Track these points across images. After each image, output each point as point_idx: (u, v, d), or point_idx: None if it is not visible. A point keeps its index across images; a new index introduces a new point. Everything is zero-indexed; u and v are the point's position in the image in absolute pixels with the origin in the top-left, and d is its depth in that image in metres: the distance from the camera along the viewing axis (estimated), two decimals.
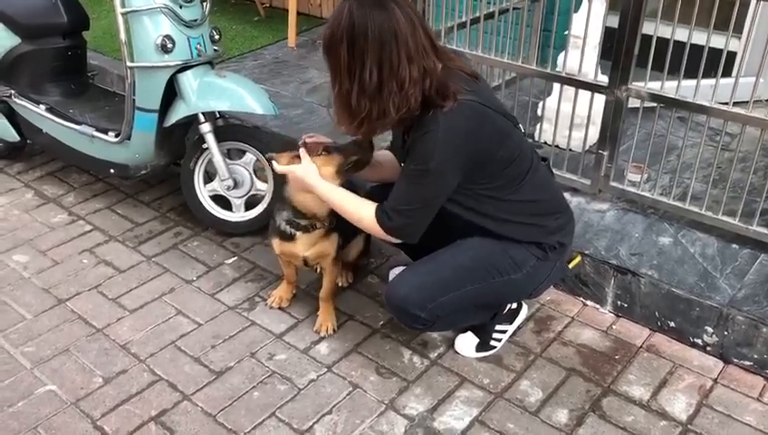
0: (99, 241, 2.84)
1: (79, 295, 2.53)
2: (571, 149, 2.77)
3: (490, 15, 2.90)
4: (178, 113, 2.66)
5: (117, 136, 2.80)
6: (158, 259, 2.73)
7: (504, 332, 2.28)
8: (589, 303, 2.49)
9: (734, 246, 2.42)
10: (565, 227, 2.10)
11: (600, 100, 2.58)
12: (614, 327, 2.39)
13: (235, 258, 2.74)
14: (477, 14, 2.92)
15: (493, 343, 2.27)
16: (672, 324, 2.31)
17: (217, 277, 2.64)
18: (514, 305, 2.28)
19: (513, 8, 3.03)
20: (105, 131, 2.85)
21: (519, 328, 2.33)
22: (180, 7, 2.57)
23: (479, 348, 2.27)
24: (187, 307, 2.48)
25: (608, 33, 2.51)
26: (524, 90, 2.91)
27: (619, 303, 2.42)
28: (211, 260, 2.73)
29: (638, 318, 2.39)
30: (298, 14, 4.26)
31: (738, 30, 2.76)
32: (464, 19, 2.85)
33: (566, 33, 2.74)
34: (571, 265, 2.37)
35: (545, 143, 2.97)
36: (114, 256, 2.75)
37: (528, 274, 2.04)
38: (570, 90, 2.69)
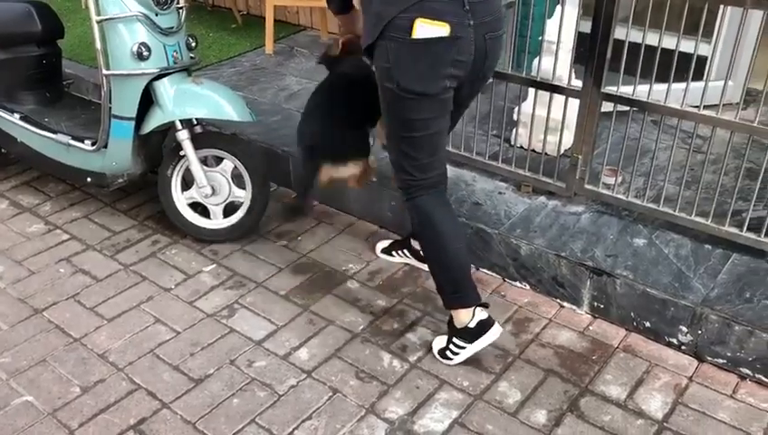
0: (76, 250, 2.82)
1: (56, 305, 2.52)
2: (546, 153, 2.80)
3: None
4: (155, 121, 2.66)
5: (93, 144, 2.79)
6: (136, 268, 2.72)
7: (461, 348, 2.22)
8: (566, 304, 2.52)
9: (707, 246, 2.46)
10: None
11: (574, 104, 2.62)
12: (591, 328, 2.42)
13: (214, 266, 2.74)
14: None
15: (448, 353, 2.25)
16: (647, 324, 2.34)
17: (196, 285, 2.63)
18: (472, 324, 2.18)
19: None
20: (81, 140, 2.83)
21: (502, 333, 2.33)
22: (156, 15, 2.57)
23: (439, 352, 2.28)
24: (165, 315, 2.47)
25: (581, 38, 2.55)
26: (500, 94, 2.94)
27: (595, 304, 2.45)
28: (189, 268, 2.72)
29: (614, 319, 2.42)
30: (275, 21, 4.27)
31: (708, 35, 2.82)
32: None
33: (540, 38, 2.77)
34: None
35: (521, 147, 3.00)
36: (91, 265, 2.73)
37: None
38: (544, 94, 2.72)
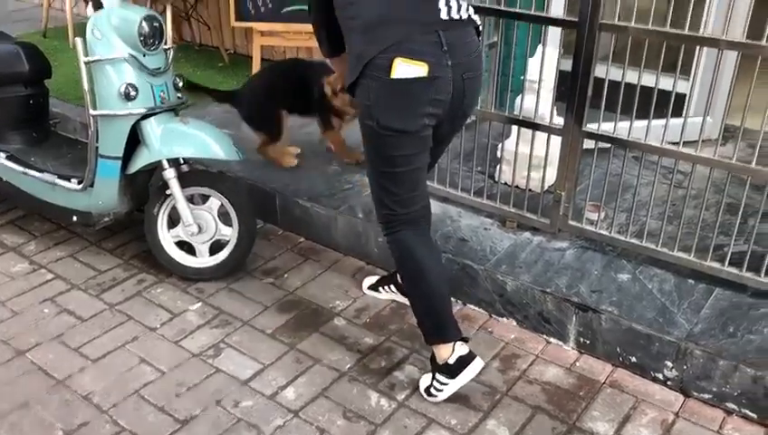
0: (61, 290, 2.80)
1: (39, 346, 2.49)
2: (530, 190, 2.83)
3: None
4: (142, 160, 2.67)
5: (80, 183, 2.79)
6: (122, 307, 2.71)
7: (444, 384, 2.20)
8: (552, 340, 2.53)
9: (690, 281, 2.49)
10: None
11: (556, 141, 2.66)
12: (577, 364, 2.43)
13: (200, 304, 2.73)
14: None
15: (432, 390, 2.24)
16: (633, 360, 2.35)
17: (181, 324, 2.62)
18: (452, 360, 2.17)
19: None
20: (68, 179, 2.84)
21: (485, 367, 2.33)
22: (144, 56, 2.60)
23: (425, 390, 2.27)
24: (150, 355, 2.45)
25: (562, 76, 2.60)
26: (483, 132, 2.98)
27: (581, 339, 2.46)
28: (175, 307, 2.71)
29: (600, 354, 2.43)
30: (262, 59, 4.32)
31: (686, 72, 2.89)
32: None
33: (522, 77, 2.82)
34: None
35: (505, 183, 3.03)
36: (76, 305, 2.71)
37: None
38: (528, 132, 2.76)
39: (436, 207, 2.77)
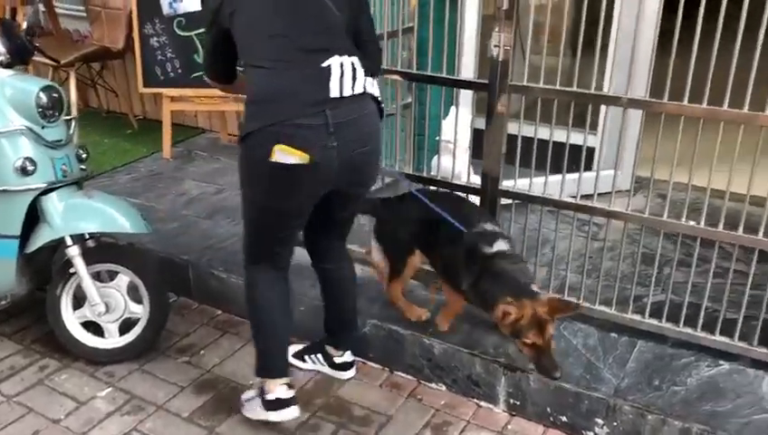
0: None
1: None
2: None
3: None
4: (42, 238, 2.49)
5: None
6: (21, 398, 2.48)
7: (257, 406, 2.30)
8: (483, 403, 2.47)
9: (614, 334, 2.50)
10: None
11: (475, 200, 2.66)
12: (509, 427, 2.37)
13: (109, 389, 2.53)
14: None
15: (246, 404, 2.35)
16: (564, 419, 2.32)
17: (89, 413, 2.42)
18: (270, 397, 2.24)
19: (387, 115, 3.11)
20: None
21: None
22: (43, 128, 2.46)
23: (244, 398, 2.38)
24: None
25: (477, 133, 2.62)
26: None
27: (511, 401, 2.41)
28: (81, 394, 2.51)
29: (531, 415, 2.38)
30: (173, 124, 4.21)
31: (594, 127, 2.97)
32: None
33: (437, 138, 2.83)
34: None
35: None
36: None
37: None
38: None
39: (362, 270, 2.70)
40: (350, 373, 2.58)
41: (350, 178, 2.08)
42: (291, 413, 2.25)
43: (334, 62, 1.96)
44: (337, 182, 2.04)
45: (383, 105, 2.15)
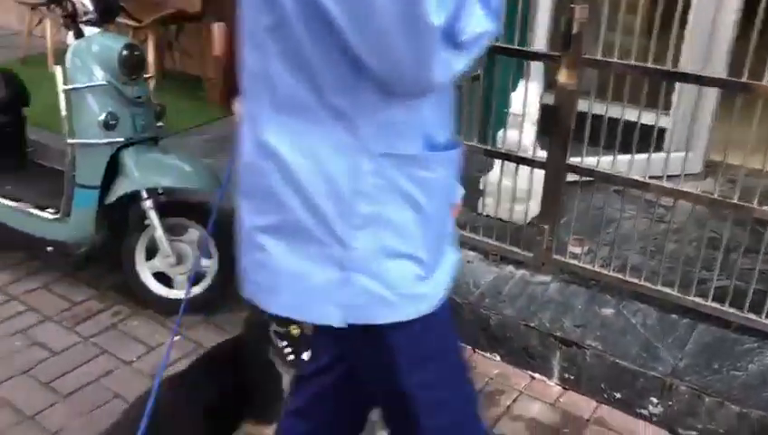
0: (33, 322, 2.72)
1: (8, 381, 2.41)
2: (513, 222, 2.82)
3: None
4: (120, 190, 2.62)
5: (56, 213, 2.73)
6: (96, 340, 2.63)
7: None
8: (536, 375, 2.49)
9: (674, 316, 2.47)
10: None
11: (539, 175, 2.66)
12: (561, 400, 2.39)
13: (178, 337, 2.66)
14: None
15: None
16: (618, 396, 2.32)
17: (159, 358, 2.55)
18: None
19: (456, 86, 3.13)
20: (43, 208, 2.78)
21: None
22: (124, 84, 2.57)
23: None
24: (125, 390, 2.38)
25: (546, 109, 2.60)
26: (467, 165, 2.96)
27: (565, 375, 2.42)
28: (152, 340, 2.64)
29: (584, 390, 2.40)
30: None
31: (667, 107, 2.91)
32: None
33: (505, 110, 2.83)
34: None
35: (488, 216, 3.02)
36: (49, 338, 2.63)
37: None
38: (510, 165, 2.76)
39: None
40: None
41: None
42: None
43: None
44: None
45: None
